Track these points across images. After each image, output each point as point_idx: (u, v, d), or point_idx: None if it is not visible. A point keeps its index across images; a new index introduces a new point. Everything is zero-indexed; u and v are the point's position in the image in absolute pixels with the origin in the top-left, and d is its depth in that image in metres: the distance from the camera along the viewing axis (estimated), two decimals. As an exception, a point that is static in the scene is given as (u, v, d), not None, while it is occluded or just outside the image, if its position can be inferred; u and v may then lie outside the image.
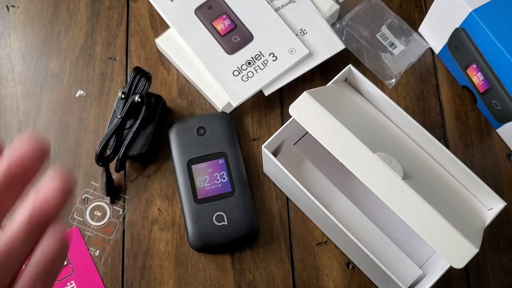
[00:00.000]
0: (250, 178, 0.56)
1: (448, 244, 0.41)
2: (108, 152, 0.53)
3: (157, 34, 0.61)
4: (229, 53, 0.57)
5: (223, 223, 0.52)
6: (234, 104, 0.55)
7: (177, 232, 0.54)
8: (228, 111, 0.58)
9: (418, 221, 0.41)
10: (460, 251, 0.41)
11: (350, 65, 0.51)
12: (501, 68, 0.52)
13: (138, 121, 0.53)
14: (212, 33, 0.57)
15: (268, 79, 0.56)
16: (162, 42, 0.59)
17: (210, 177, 0.54)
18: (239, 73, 0.56)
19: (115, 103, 0.56)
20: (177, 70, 0.60)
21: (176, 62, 0.59)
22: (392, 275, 0.44)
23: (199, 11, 0.58)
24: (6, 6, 0.63)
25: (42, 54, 0.61)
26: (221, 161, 0.54)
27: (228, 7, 0.58)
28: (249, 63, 0.56)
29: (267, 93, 0.56)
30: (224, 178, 0.54)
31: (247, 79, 0.56)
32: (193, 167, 0.54)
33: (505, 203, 0.47)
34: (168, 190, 0.56)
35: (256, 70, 0.56)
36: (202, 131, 0.55)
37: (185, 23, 0.58)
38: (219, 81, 0.56)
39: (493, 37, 0.51)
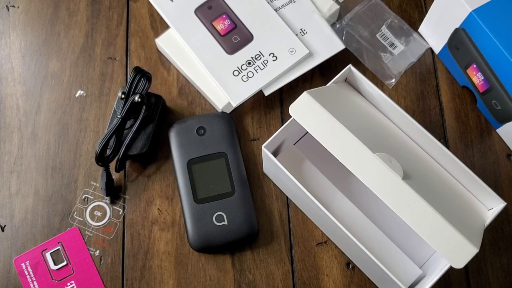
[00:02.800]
0: (250, 178, 0.56)
1: (448, 244, 0.41)
2: (108, 152, 0.53)
3: (157, 34, 0.61)
4: (229, 53, 0.57)
5: (223, 223, 0.52)
6: (234, 104, 0.55)
7: (177, 232, 0.54)
8: (228, 111, 0.58)
9: (418, 221, 0.41)
10: (460, 251, 0.41)
11: (350, 65, 0.51)
12: (501, 68, 0.52)
13: (138, 121, 0.53)
14: (212, 33, 0.57)
15: (268, 79, 0.56)
16: (162, 42, 0.59)
17: (210, 177, 0.54)
18: (239, 73, 0.56)
19: (115, 103, 0.56)
20: (177, 70, 0.60)
21: (176, 62, 0.59)
22: (392, 275, 0.44)
23: (199, 11, 0.58)
24: (6, 6, 0.63)
25: (42, 54, 0.61)
26: (221, 161, 0.54)
27: (228, 7, 0.58)
28: (249, 63, 0.56)
29: (267, 93, 0.56)
30: (224, 178, 0.54)
31: (247, 79, 0.56)
32: (193, 167, 0.54)
33: (505, 203, 0.47)
34: (168, 190, 0.56)
35: (256, 70, 0.56)
36: (202, 131, 0.55)
37: (185, 23, 0.58)
38: (219, 81, 0.56)
39: (493, 37, 0.51)
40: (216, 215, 0.52)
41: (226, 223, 0.52)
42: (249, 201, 0.53)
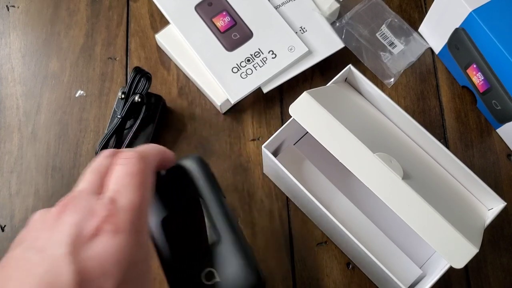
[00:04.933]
0: (250, 178, 0.56)
1: (448, 244, 0.41)
2: (108, 152, 0.53)
3: (157, 34, 0.61)
4: (228, 50, 0.57)
5: (214, 280, 0.38)
6: (233, 100, 0.55)
7: (177, 232, 0.54)
8: (226, 108, 0.58)
9: (418, 221, 0.41)
10: (460, 251, 0.41)
11: (350, 65, 0.51)
12: (501, 68, 0.52)
13: (138, 121, 0.53)
14: (212, 29, 0.57)
15: (267, 77, 0.56)
16: (162, 37, 0.59)
17: (190, 231, 0.41)
18: (238, 70, 0.56)
19: (115, 103, 0.56)
20: (177, 70, 0.60)
21: (175, 58, 0.59)
22: (392, 275, 0.44)
23: (199, 7, 0.58)
24: (6, 6, 0.63)
25: (42, 54, 0.61)
26: (198, 210, 0.41)
27: (228, 4, 0.58)
28: (248, 60, 0.56)
29: (265, 90, 0.56)
30: (206, 227, 0.40)
31: (246, 76, 0.56)
32: (168, 225, 0.41)
33: (505, 203, 0.47)
34: (168, 190, 0.56)
35: (255, 67, 0.56)
36: (173, 183, 0.42)
37: (186, 20, 0.58)
38: (218, 77, 0.56)
39: (493, 37, 0.51)
40: (205, 273, 0.39)
41: (218, 279, 0.38)
42: (242, 245, 0.39)
